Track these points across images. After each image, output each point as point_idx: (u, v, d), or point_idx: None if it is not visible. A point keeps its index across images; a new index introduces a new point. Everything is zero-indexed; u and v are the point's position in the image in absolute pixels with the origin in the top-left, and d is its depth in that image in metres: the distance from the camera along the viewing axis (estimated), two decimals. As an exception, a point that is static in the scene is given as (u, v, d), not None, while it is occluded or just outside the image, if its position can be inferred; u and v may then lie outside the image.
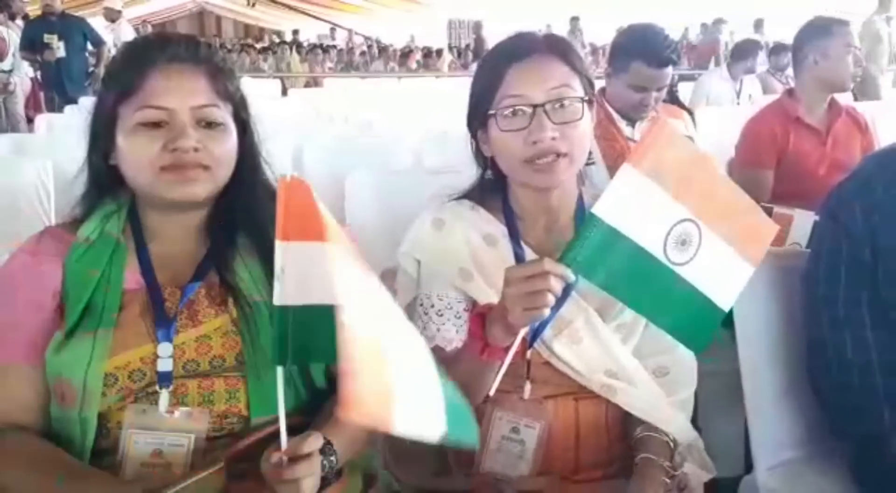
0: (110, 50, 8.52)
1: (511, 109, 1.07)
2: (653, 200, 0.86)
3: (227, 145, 1.00)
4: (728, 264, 0.90)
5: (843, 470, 1.24)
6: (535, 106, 1.05)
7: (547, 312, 0.90)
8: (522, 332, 0.96)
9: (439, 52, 12.29)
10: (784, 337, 1.28)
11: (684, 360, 1.18)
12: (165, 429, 0.94)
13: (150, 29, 13.36)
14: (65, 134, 3.09)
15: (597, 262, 0.89)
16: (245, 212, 1.04)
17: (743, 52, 5.10)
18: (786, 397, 1.28)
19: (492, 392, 1.00)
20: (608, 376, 1.11)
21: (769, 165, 2.31)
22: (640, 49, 2.03)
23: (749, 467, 1.36)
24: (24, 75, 6.46)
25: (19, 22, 6.72)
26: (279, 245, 0.80)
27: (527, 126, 1.06)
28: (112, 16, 8.06)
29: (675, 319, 0.93)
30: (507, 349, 0.97)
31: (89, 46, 6.30)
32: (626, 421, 1.16)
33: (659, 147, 0.85)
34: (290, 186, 0.77)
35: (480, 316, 0.98)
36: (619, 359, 1.11)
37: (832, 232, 1.13)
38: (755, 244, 0.92)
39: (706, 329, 0.94)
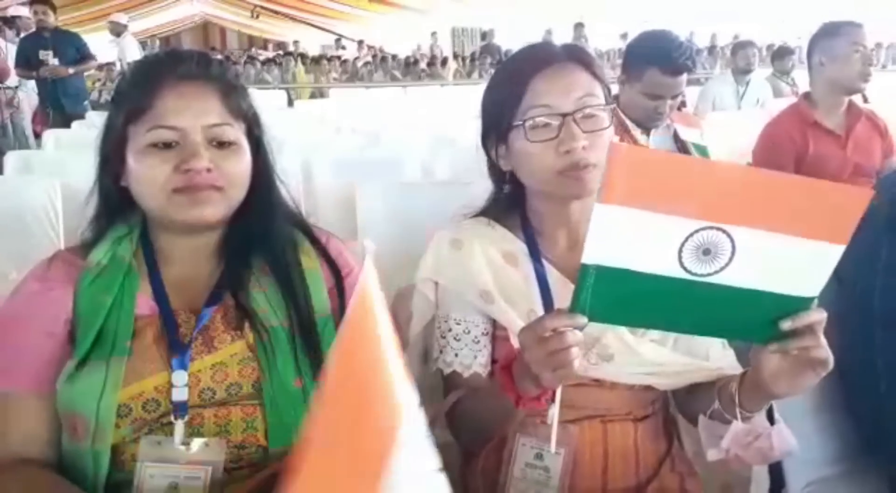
0: (114, 64, 8.55)
1: (539, 120, 1.03)
2: (642, 226, 0.78)
3: (240, 165, 0.98)
4: (791, 253, 0.81)
5: (880, 489, 1.19)
6: (563, 115, 1.02)
7: (577, 365, 0.83)
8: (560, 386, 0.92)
9: (444, 61, 12.30)
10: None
11: (721, 363, 1.11)
12: (181, 462, 0.91)
13: (157, 43, 13.45)
14: (73, 150, 3.08)
15: (607, 304, 0.82)
16: (260, 233, 1.01)
17: (735, 53, 5.07)
18: (819, 414, 1.24)
19: (553, 446, 0.96)
20: (648, 376, 1.07)
21: (787, 170, 2.27)
22: (655, 56, 2.01)
23: (775, 484, 1.32)
24: (30, 91, 6.45)
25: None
26: None
27: (556, 136, 1.02)
28: (117, 30, 8.11)
29: (731, 324, 0.86)
30: (540, 398, 0.92)
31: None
32: (657, 439, 1.12)
33: (622, 173, 0.77)
34: None
35: (507, 369, 0.92)
36: (658, 360, 1.06)
37: (892, 243, 1.07)
38: (826, 220, 0.80)
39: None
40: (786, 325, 0.81)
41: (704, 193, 0.79)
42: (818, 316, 0.81)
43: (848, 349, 1.14)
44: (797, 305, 0.83)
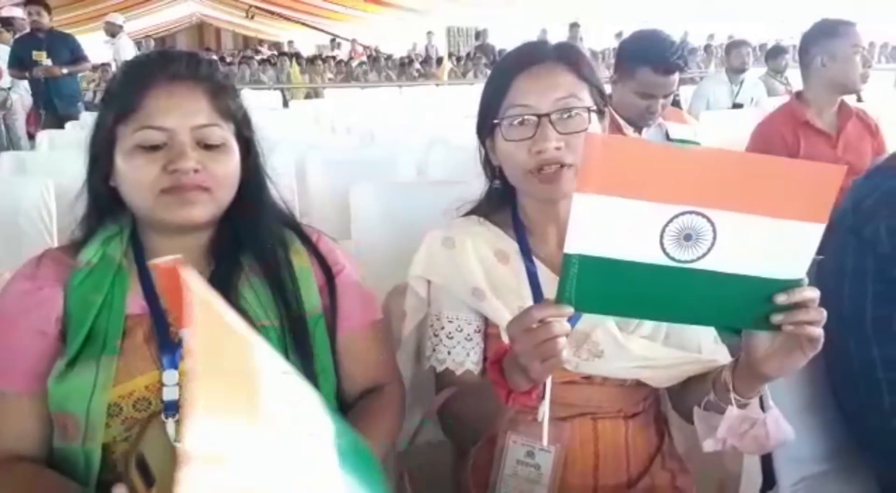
0: (110, 65, 8.53)
1: (516, 119, 1.04)
2: (621, 213, 0.78)
3: (228, 166, 0.98)
4: (771, 235, 0.80)
5: (868, 485, 1.20)
6: (539, 116, 1.03)
7: (565, 355, 0.84)
8: (549, 379, 0.93)
9: (439, 61, 12.30)
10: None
11: (713, 355, 1.11)
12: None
13: (152, 43, 13.40)
14: (66, 151, 3.08)
15: (592, 293, 0.81)
16: (250, 233, 1.02)
17: (729, 52, 5.06)
18: (808, 412, 1.25)
19: (545, 443, 0.98)
20: (639, 370, 1.07)
21: (779, 169, 2.27)
22: (647, 55, 2.01)
23: (768, 482, 1.32)
24: (23, 92, 6.43)
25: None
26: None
27: (531, 136, 1.03)
28: (113, 30, 8.10)
29: (719, 311, 0.85)
30: (531, 393, 0.92)
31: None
32: (648, 436, 1.13)
33: (598, 162, 0.77)
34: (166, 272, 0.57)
35: (497, 364, 0.92)
36: (648, 355, 1.06)
37: (856, 249, 1.10)
38: (803, 199, 0.80)
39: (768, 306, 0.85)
40: (781, 298, 0.80)
41: (681, 178, 0.78)
42: (812, 293, 0.81)
43: (830, 350, 1.16)
44: (784, 288, 0.83)
